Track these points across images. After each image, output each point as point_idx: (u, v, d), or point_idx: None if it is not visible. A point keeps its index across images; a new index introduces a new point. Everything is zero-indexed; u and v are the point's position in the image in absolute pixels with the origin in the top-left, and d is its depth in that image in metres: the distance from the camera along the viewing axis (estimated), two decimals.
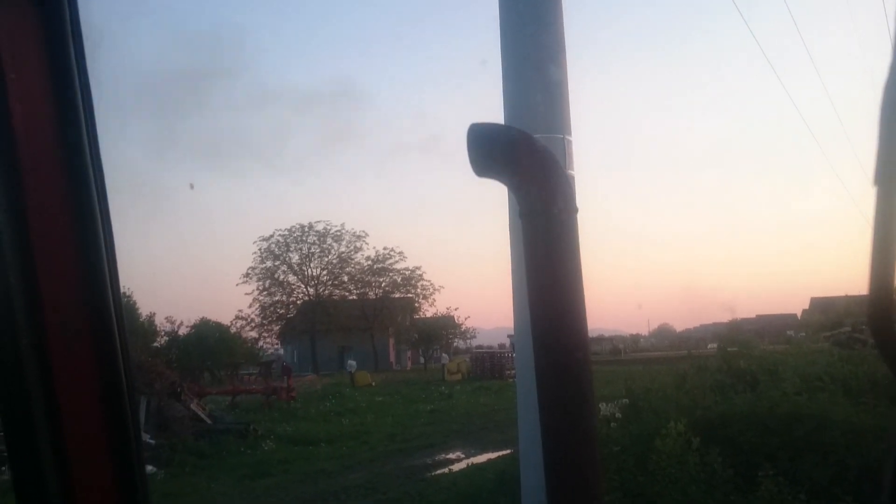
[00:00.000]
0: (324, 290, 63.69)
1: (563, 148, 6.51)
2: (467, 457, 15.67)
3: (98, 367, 1.01)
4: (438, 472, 13.95)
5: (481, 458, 15.13)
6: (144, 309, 45.19)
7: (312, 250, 63.05)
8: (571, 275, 0.98)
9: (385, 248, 63.51)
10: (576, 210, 1.07)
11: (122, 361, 1.03)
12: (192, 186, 59.37)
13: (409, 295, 64.62)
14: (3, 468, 12.57)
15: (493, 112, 6.87)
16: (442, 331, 65.66)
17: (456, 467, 14.18)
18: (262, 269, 62.26)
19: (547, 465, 1.20)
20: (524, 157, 1.06)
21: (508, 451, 14.31)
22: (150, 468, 14.41)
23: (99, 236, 1.02)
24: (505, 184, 1.11)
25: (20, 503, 0.99)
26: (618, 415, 10.40)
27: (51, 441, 0.96)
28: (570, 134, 6.61)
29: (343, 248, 63.54)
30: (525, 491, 6.49)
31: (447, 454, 16.27)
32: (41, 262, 0.96)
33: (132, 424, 1.04)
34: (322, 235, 62.71)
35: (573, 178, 6.75)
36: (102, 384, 1.01)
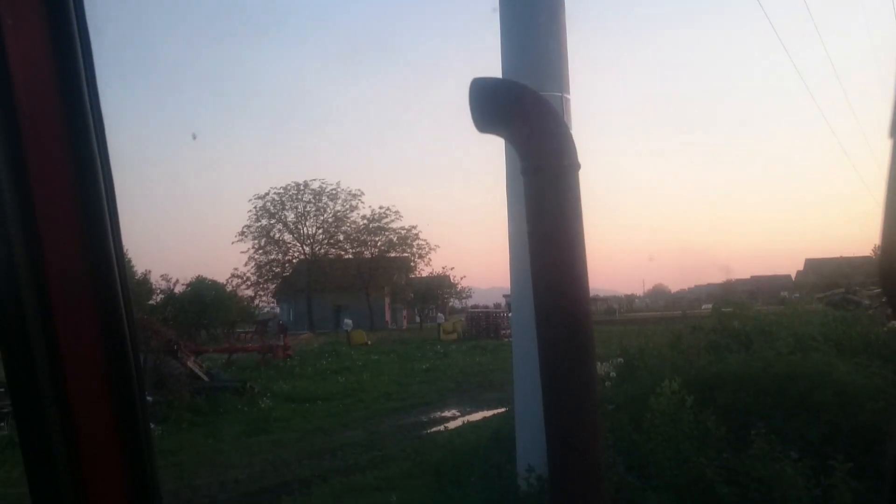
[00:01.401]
0: (319, 249, 63.70)
1: (561, 106, 6.47)
2: (463, 415, 15.83)
3: (100, 323, 1.00)
4: (434, 429, 14.09)
5: (476, 416, 15.29)
6: (140, 266, 45.26)
7: (308, 209, 62.93)
8: (573, 229, 0.97)
9: (381, 208, 63.45)
10: (578, 166, 1.05)
11: (126, 320, 1.02)
12: (194, 137, 58.92)
13: (405, 254, 64.69)
14: (3, 424, 12.68)
15: (491, 70, 6.79)
16: (438, 290, 65.91)
17: (451, 425, 14.32)
18: (257, 227, 62.26)
19: (547, 424, 1.20)
20: (528, 112, 1.04)
21: (503, 410, 14.45)
22: None
23: (101, 194, 1.01)
24: (507, 139, 1.09)
25: (26, 461, 0.99)
26: (612, 374, 10.48)
27: (56, 399, 0.96)
28: (568, 92, 6.57)
29: (339, 207, 63.46)
30: (520, 447, 6.58)
31: (443, 412, 16.43)
32: (44, 225, 0.95)
33: (137, 382, 1.03)
34: (317, 194, 62.55)
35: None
36: (105, 339, 1.00)
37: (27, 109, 0.95)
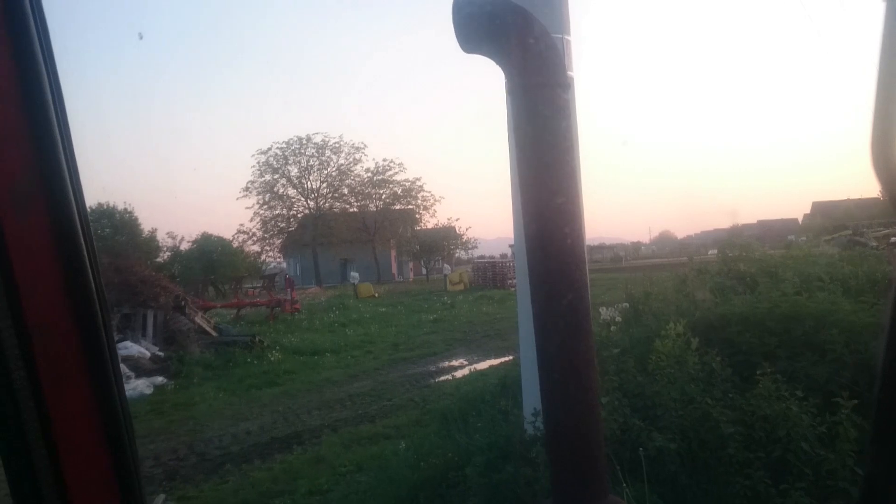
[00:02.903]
0: (324, 203, 63.62)
1: (562, 48, 6.35)
2: (470, 363, 15.94)
3: (65, 275, 0.96)
4: (442, 378, 14.22)
5: (483, 365, 15.40)
6: (146, 224, 45.48)
7: (311, 163, 62.73)
8: (563, 150, 0.93)
9: (384, 160, 63.31)
10: (567, 85, 1.01)
11: (91, 273, 0.98)
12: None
13: (410, 206, 64.57)
14: None
15: None
16: (443, 242, 65.98)
17: (459, 374, 14.44)
18: (261, 182, 62.14)
19: (541, 359, 1.17)
20: (512, 28, 0.99)
21: (510, 358, 14.55)
22: (160, 379, 14.72)
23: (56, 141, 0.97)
24: (492, 59, 1.05)
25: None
26: (618, 318, 10.48)
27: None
28: (569, 33, 6.44)
29: (342, 161, 63.23)
30: (526, 392, 6.62)
31: (450, 362, 16.56)
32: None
33: (108, 341, 0.99)
34: (320, 148, 62.29)
35: (573, 79, 6.60)
36: (70, 288, 0.96)
37: None
